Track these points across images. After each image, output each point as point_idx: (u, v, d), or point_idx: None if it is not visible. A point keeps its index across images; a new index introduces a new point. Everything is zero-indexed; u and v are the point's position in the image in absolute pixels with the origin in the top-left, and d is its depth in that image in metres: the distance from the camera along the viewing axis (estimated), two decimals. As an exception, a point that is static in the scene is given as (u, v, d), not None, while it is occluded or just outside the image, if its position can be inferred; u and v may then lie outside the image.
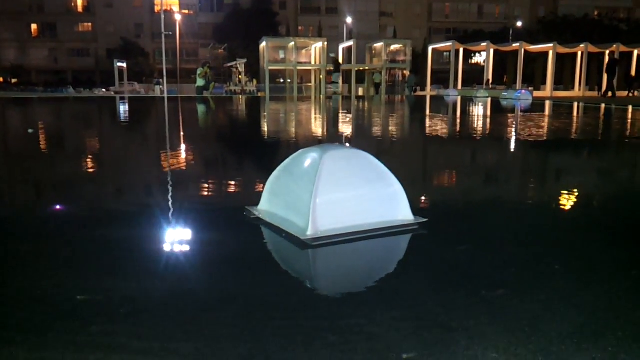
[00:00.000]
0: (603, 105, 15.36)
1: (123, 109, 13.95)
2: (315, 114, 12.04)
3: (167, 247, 1.96)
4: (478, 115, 11.72)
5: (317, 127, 8.30)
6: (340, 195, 2.05)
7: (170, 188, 3.18)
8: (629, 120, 9.78)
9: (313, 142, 6.28)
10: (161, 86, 31.76)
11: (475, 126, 8.81)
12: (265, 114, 12.16)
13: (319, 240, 1.92)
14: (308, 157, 2.13)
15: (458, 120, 10.40)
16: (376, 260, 1.93)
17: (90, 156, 5.03)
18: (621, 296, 1.54)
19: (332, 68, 25.21)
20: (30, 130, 7.26)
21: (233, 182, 3.57)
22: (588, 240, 2.15)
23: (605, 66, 25.03)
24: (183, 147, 5.56)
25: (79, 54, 55.05)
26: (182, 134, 7.19)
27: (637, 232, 2.28)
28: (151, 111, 13.37)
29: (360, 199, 2.10)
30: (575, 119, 10.67)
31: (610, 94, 23.26)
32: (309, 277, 1.76)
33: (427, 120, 10.51)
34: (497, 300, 1.46)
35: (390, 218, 2.13)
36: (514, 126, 8.43)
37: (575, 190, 3.17)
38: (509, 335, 1.26)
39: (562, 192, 3.19)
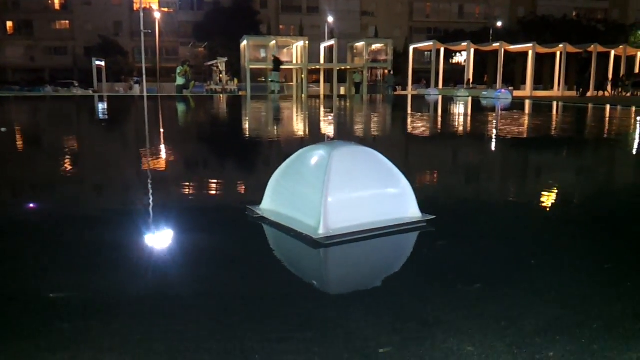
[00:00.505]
0: (584, 105, 15.52)
1: (104, 108, 13.72)
2: (297, 113, 11.95)
3: (173, 251, 1.91)
4: (458, 114, 11.74)
5: (301, 126, 8.24)
6: (350, 193, 2.03)
7: (161, 189, 3.13)
8: (608, 119, 9.88)
9: (297, 141, 6.21)
10: (139, 85, 31.39)
11: (457, 124, 8.81)
12: (247, 112, 12.06)
13: (332, 238, 1.90)
14: (314, 155, 2.11)
15: (439, 119, 10.41)
16: (391, 257, 1.91)
17: (71, 156, 4.90)
18: (594, 289, 1.57)
19: (272, 67, 24.39)
20: (2, 129, 7.05)
21: (227, 182, 3.52)
22: (564, 235, 2.18)
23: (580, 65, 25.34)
24: (168, 147, 5.44)
25: (56, 52, 54.17)
26: (167, 133, 7.08)
27: (615, 226, 2.34)
28: (132, 110, 13.13)
29: (370, 197, 2.09)
30: (554, 117, 10.74)
31: (580, 90, 23.59)
32: (325, 276, 1.74)
33: (408, 119, 10.48)
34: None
35: (398, 215, 2.13)
36: (494, 124, 8.44)
37: (555, 187, 3.13)
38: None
39: (543, 188, 3.16)
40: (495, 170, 4.26)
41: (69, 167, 4.17)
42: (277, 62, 23.75)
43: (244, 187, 3.35)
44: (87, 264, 1.76)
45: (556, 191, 3.11)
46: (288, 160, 2.23)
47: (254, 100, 17.42)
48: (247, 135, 7.06)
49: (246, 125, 8.58)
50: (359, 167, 2.11)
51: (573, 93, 32.03)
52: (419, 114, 12.25)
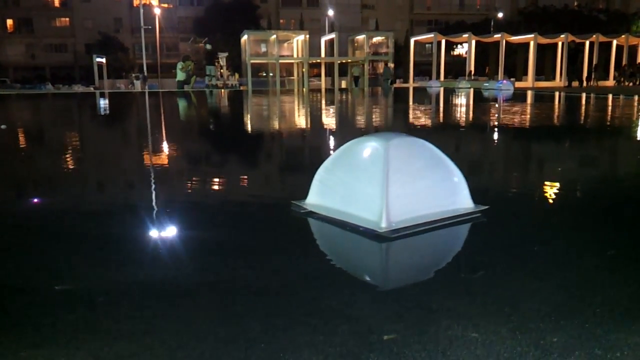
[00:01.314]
0: (585, 95, 15.46)
1: (107, 104, 13.69)
2: (300, 107, 11.93)
3: (229, 251, 1.82)
4: (465, 105, 11.71)
5: (317, 120, 8.24)
6: (408, 185, 2.00)
7: (193, 185, 3.09)
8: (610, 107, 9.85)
9: (319, 134, 6.21)
10: (141, 81, 31.27)
11: (461, 115, 8.79)
12: (249, 107, 12.03)
13: (396, 232, 1.87)
14: (366, 147, 2.06)
15: (451, 110, 10.39)
16: (458, 249, 1.89)
17: (106, 153, 4.91)
18: (597, 275, 1.58)
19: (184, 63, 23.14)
20: (2, 126, 7.05)
21: (260, 178, 3.46)
22: (572, 222, 2.21)
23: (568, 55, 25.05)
24: (189, 143, 5.43)
25: (56, 49, 54.08)
26: (187, 129, 7.05)
27: (617, 213, 2.36)
28: (144, 107, 13.03)
29: (426, 188, 2.06)
30: (561, 107, 10.71)
31: (576, 82, 23.39)
32: (399, 270, 1.70)
33: (418, 110, 10.46)
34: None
35: (453, 206, 2.11)
36: (496, 114, 8.42)
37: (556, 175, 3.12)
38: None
39: (550, 178, 3.16)
40: (527, 159, 4.25)
41: (107, 163, 4.15)
42: (187, 56, 23.02)
43: (278, 182, 3.29)
44: (130, 258, 1.74)
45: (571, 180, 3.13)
46: (335, 154, 2.19)
47: (257, 95, 17.37)
48: (267, 130, 6.97)
49: (264, 120, 8.49)
50: (414, 158, 2.07)
51: (574, 83, 31.95)
52: (428, 105, 12.22)
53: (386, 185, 1.90)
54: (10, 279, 1.57)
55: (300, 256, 1.75)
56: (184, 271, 1.61)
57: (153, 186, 3.04)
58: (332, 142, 5.52)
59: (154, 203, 2.54)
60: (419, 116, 8.99)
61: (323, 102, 13.44)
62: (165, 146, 5.04)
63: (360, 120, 8.18)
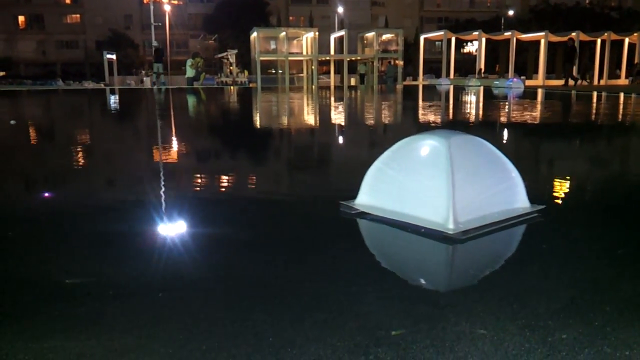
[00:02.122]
0: (595, 93, 15.32)
1: (123, 101, 13.72)
2: (315, 105, 11.92)
3: (285, 256, 1.73)
4: (478, 103, 11.64)
5: (329, 118, 8.21)
6: (470, 185, 1.94)
7: (232, 185, 3.03)
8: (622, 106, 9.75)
9: (346, 130, 6.17)
10: (151, 77, 31.33)
11: (481, 113, 8.74)
12: (258, 104, 12.03)
13: (466, 233, 1.81)
14: (424, 145, 1.99)
15: (462, 108, 10.33)
16: (535, 250, 1.81)
17: (146, 147, 4.88)
18: (608, 273, 1.58)
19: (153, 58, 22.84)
20: (12, 122, 7.09)
21: (299, 177, 3.38)
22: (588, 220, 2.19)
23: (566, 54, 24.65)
24: (220, 140, 5.46)
25: (67, 46, 54.40)
26: (215, 126, 7.04)
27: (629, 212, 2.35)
28: (155, 103, 13.01)
29: (486, 188, 2.02)
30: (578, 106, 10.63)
31: (572, 82, 23.07)
32: (474, 273, 1.61)
33: (418, 109, 10.41)
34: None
35: (512, 206, 2.06)
36: (518, 112, 8.37)
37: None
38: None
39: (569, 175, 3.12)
40: (563, 157, 4.22)
41: (145, 156, 4.15)
42: (158, 52, 22.89)
43: (316, 182, 3.20)
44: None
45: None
46: (387, 153, 2.11)
47: (268, 93, 17.36)
48: (290, 128, 6.84)
49: (284, 117, 8.38)
50: (473, 156, 2.02)
51: (571, 83, 31.63)
52: (445, 103, 12.11)
53: (453, 186, 1.84)
54: (21, 272, 1.58)
55: (368, 262, 1.66)
56: (240, 284, 1.50)
57: (200, 186, 2.97)
58: (359, 140, 5.47)
59: (209, 206, 2.47)
60: (439, 114, 8.95)
61: (337, 99, 13.41)
62: (201, 145, 5.03)
63: (384, 118, 8.17)
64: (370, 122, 7.48)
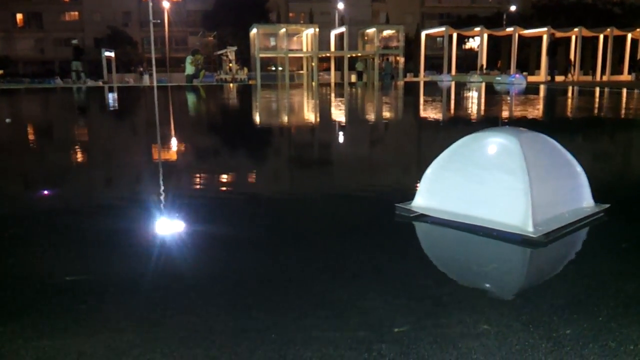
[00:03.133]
0: (597, 89, 15.14)
1: (125, 99, 13.56)
2: (312, 101, 11.74)
3: (345, 264, 1.63)
4: (483, 98, 11.48)
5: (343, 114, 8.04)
6: (543, 185, 1.82)
7: (283, 187, 2.98)
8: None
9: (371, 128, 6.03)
10: (145, 74, 31.12)
11: (493, 109, 8.56)
12: (257, 101, 11.85)
13: (548, 236, 1.71)
14: (490, 144, 1.88)
15: (474, 104, 10.24)
16: (617, 251, 1.69)
17: (167, 148, 4.91)
18: (611, 268, 1.55)
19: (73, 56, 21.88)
20: (7, 120, 7.00)
21: (341, 177, 3.32)
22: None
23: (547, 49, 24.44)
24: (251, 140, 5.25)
25: (65, 43, 54.08)
26: (240, 124, 6.90)
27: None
28: (157, 101, 12.84)
29: (557, 187, 1.92)
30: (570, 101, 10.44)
31: (549, 77, 22.92)
32: (574, 280, 1.50)
33: (447, 104, 10.21)
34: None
35: (579, 205, 1.96)
36: (534, 108, 8.19)
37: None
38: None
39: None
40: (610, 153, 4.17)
41: (166, 155, 4.07)
42: (78, 50, 22.49)
43: (362, 183, 3.07)
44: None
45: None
46: (447, 153, 2.01)
47: (270, 90, 17.29)
48: (322, 127, 6.73)
49: (308, 116, 8.27)
50: (543, 154, 1.91)
51: (588, 78, 31.47)
52: (451, 100, 11.99)
53: (530, 187, 1.71)
54: (24, 270, 1.59)
55: (443, 269, 1.56)
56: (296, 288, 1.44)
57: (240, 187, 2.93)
58: (370, 138, 5.39)
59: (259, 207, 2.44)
60: (470, 111, 8.79)
61: (348, 98, 13.24)
62: (229, 145, 4.98)
63: (398, 115, 8.10)
64: (387, 119, 7.31)
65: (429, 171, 2.05)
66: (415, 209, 2.02)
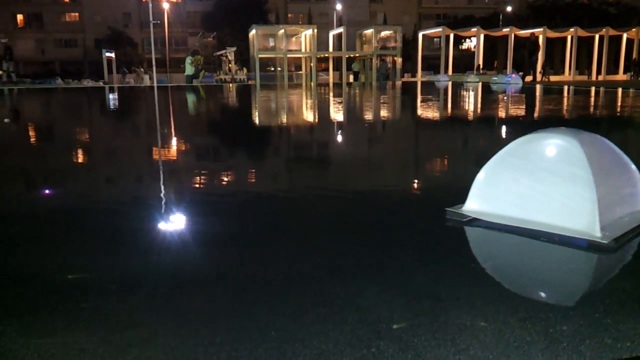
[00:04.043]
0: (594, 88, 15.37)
1: (127, 99, 13.70)
2: (311, 100, 11.96)
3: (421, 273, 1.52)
4: (487, 100, 11.67)
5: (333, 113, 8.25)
6: (605, 187, 1.75)
7: (327, 188, 2.84)
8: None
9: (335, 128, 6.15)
10: (121, 75, 31.05)
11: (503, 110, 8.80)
12: (258, 101, 12.07)
13: (618, 241, 1.63)
14: (549, 146, 1.79)
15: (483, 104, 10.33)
16: None
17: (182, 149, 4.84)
18: (608, 265, 1.57)
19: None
20: (5, 120, 7.16)
21: (379, 179, 3.15)
22: None
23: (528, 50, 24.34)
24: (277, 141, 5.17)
25: (66, 44, 54.34)
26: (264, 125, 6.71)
27: None
28: (184, 102, 12.62)
29: (617, 189, 1.86)
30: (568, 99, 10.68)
31: (530, 78, 22.92)
32: None
33: (450, 104, 10.47)
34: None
35: (635, 209, 1.88)
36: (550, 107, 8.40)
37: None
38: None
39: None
40: None
41: (175, 157, 4.03)
42: (8, 51, 22.33)
43: (395, 185, 2.97)
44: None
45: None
46: (501, 155, 1.92)
47: (269, 90, 17.30)
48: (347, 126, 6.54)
49: (332, 115, 8.11)
50: (602, 156, 1.85)
51: (584, 77, 31.73)
52: (454, 100, 12.01)
53: (595, 189, 1.66)
54: (24, 268, 1.57)
55: (516, 278, 1.49)
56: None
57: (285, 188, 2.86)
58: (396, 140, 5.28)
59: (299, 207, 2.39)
60: (465, 110, 8.99)
61: (346, 96, 13.44)
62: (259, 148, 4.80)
63: (411, 115, 8.12)
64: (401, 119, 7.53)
65: (481, 174, 1.94)
66: (468, 213, 1.91)
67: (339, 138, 5.38)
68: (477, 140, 5.33)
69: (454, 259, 1.62)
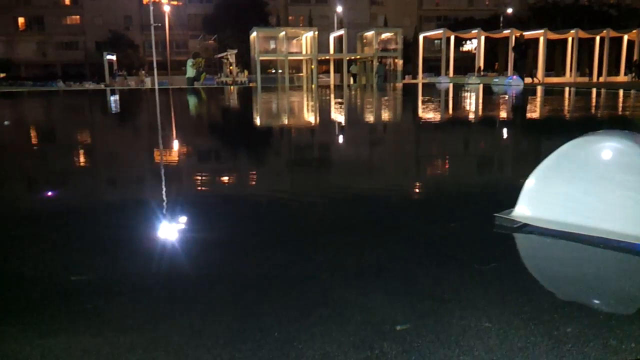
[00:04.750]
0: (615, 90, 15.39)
1: (128, 101, 13.73)
2: (314, 102, 11.98)
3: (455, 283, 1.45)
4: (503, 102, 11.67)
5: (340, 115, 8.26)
6: None
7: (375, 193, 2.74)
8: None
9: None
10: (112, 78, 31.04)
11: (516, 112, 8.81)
12: (263, 103, 12.09)
13: None
14: (604, 149, 1.73)
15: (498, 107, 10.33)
16: None
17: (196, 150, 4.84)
18: (612, 267, 1.57)
19: None
20: (5, 122, 7.18)
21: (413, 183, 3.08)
22: None
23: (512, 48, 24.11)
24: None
25: (67, 47, 54.45)
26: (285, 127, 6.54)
27: None
28: (175, 104, 12.54)
29: None
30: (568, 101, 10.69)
31: (529, 79, 22.83)
32: None
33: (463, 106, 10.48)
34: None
35: None
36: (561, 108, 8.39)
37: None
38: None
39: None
40: None
41: (187, 159, 4.01)
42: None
43: (431, 188, 2.89)
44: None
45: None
46: (552, 159, 1.85)
47: (270, 92, 17.29)
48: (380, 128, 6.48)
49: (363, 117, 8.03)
50: None
51: (585, 79, 31.75)
52: (463, 102, 11.89)
53: None
54: (28, 270, 1.57)
55: (578, 287, 1.44)
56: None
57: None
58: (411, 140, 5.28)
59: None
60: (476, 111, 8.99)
61: (354, 99, 13.46)
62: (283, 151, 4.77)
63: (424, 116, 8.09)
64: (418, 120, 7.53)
65: (532, 179, 1.88)
66: (519, 219, 1.84)
67: (364, 141, 5.30)
68: (504, 143, 5.23)
69: (519, 268, 1.58)
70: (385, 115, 8.37)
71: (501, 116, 7.82)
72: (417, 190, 2.87)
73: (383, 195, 2.69)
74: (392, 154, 4.45)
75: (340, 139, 5.47)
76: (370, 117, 8.03)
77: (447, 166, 3.72)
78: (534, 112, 8.50)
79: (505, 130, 6.14)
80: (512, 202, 1.96)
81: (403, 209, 2.38)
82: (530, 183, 1.89)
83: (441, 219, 2.13)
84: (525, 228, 1.83)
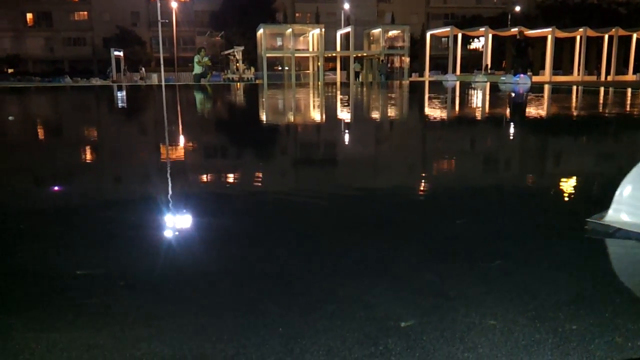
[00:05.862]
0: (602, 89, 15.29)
1: (137, 97, 13.73)
2: (320, 99, 11.97)
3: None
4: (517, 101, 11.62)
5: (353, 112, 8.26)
6: None
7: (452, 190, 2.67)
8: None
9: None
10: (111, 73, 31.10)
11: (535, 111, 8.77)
12: (278, 101, 12.09)
13: None
14: None
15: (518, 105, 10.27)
16: None
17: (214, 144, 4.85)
18: (618, 264, 1.57)
19: None
20: (10, 118, 7.22)
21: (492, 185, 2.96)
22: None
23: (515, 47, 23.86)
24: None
25: (75, 43, 54.68)
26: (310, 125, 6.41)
27: None
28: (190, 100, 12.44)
29: None
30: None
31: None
32: None
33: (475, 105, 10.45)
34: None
35: None
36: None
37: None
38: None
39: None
40: None
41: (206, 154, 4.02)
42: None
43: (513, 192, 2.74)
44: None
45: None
46: None
47: (278, 89, 17.24)
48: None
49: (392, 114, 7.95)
50: None
51: (593, 77, 31.58)
52: (474, 101, 11.77)
53: None
54: (33, 265, 1.57)
55: None
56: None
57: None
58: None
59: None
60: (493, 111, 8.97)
61: (363, 96, 13.44)
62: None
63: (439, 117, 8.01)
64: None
65: (626, 183, 1.81)
66: (614, 224, 1.77)
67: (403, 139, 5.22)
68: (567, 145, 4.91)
69: (622, 275, 1.52)
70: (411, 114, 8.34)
71: (529, 116, 7.75)
72: (514, 193, 2.74)
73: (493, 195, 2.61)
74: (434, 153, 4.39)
75: (359, 136, 5.40)
76: (377, 114, 8.00)
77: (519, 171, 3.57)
78: (558, 111, 8.45)
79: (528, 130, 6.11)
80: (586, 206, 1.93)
81: (498, 211, 2.27)
82: (624, 187, 1.83)
83: (537, 223, 2.03)
84: (621, 233, 1.77)
